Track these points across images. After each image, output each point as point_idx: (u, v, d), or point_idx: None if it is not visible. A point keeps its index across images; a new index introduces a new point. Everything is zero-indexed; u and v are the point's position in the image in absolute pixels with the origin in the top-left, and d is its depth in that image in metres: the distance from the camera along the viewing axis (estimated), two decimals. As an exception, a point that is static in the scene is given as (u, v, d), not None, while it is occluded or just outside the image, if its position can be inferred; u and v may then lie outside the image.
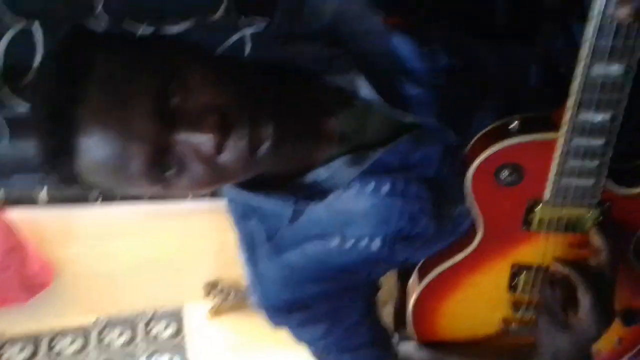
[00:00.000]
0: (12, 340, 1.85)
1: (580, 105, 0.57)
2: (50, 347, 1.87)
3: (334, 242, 0.73)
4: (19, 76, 1.00)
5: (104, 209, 1.63)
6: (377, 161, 0.67)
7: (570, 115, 0.58)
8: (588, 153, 0.60)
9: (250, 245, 0.76)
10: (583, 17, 0.78)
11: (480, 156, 0.65)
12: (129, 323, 1.96)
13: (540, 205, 0.67)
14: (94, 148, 0.57)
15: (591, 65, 0.54)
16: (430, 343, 0.86)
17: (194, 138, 0.57)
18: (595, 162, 0.61)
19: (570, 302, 0.69)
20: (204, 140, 0.57)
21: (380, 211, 0.71)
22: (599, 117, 0.58)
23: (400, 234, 0.72)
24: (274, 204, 0.70)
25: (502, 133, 0.64)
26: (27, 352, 1.85)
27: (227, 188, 0.73)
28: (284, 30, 0.77)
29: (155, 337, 1.94)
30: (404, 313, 0.85)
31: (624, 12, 0.48)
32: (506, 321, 0.81)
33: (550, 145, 0.62)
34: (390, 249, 0.73)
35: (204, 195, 1.66)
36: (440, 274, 0.78)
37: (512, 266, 0.75)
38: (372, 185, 0.69)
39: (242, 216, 0.76)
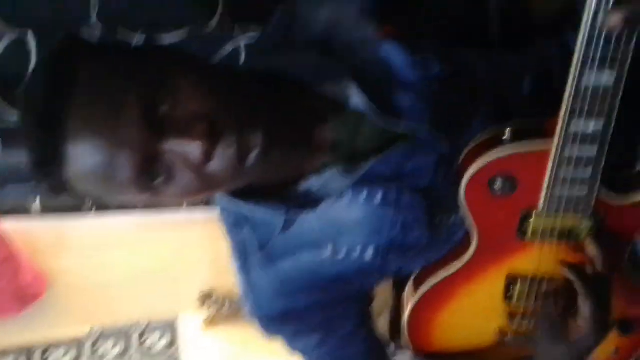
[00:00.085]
0: (5, 352, 1.83)
1: (571, 115, 0.57)
2: (44, 359, 1.85)
3: (327, 251, 0.72)
4: (12, 86, 1.00)
5: (98, 219, 1.63)
6: (370, 170, 0.67)
7: (562, 124, 0.58)
8: (581, 162, 0.60)
9: (242, 254, 0.76)
10: (574, 26, 0.79)
11: (473, 166, 0.65)
12: (122, 334, 1.94)
13: (534, 215, 0.67)
14: (82, 156, 0.57)
15: (582, 75, 0.54)
16: (426, 353, 0.85)
17: (182, 146, 0.57)
18: (589, 172, 0.61)
19: (568, 312, 0.69)
20: (192, 148, 0.57)
21: (373, 221, 0.70)
22: (591, 126, 0.58)
23: (393, 244, 0.72)
24: (265, 213, 0.70)
25: (495, 143, 0.64)
26: (20, 364, 1.83)
27: (219, 197, 0.72)
28: (277, 40, 0.77)
29: (150, 348, 1.92)
30: (400, 323, 0.84)
31: (614, 20, 0.48)
32: (502, 331, 0.80)
33: (543, 154, 0.62)
34: (383, 258, 0.73)
35: (198, 205, 1.66)
36: (435, 285, 0.77)
37: (507, 276, 0.74)
38: (364, 194, 0.69)
39: (234, 225, 0.75)
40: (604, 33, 0.51)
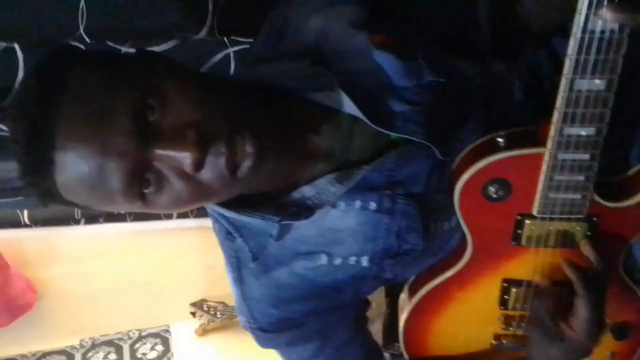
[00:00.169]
0: (-6, 364, 1.81)
1: (564, 120, 0.58)
2: (35, 371, 1.83)
3: (322, 260, 0.72)
4: (0, 98, 0.99)
5: (88, 229, 1.61)
6: (364, 178, 0.67)
7: (555, 130, 0.58)
8: (574, 167, 0.61)
9: (236, 266, 0.75)
10: (563, 32, 0.80)
11: (467, 172, 0.65)
12: (114, 345, 1.92)
13: (529, 220, 0.67)
14: (71, 164, 0.56)
15: (574, 80, 0.55)
16: (421, 360, 0.85)
17: (172, 154, 0.57)
18: (582, 176, 0.61)
19: (560, 313, 0.69)
20: (181, 157, 0.56)
21: (368, 229, 0.70)
22: (584, 132, 0.58)
23: (388, 252, 0.72)
24: (258, 223, 0.69)
25: (489, 148, 0.64)
26: (10, 375, 1.81)
27: (212, 208, 0.72)
28: (268, 49, 0.77)
29: (142, 359, 1.91)
30: (393, 329, 0.84)
31: (609, 17, 0.49)
32: (498, 337, 0.80)
33: (536, 160, 0.62)
34: (378, 266, 0.73)
35: (189, 214, 1.65)
36: (430, 291, 0.77)
37: (503, 281, 0.75)
38: (358, 202, 0.69)
39: (227, 237, 0.75)
40: (595, 39, 0.51)
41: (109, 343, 1.92)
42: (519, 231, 0.68)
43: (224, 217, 0.72)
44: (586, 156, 0.60)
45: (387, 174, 0.69)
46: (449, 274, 0.75)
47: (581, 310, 0.67)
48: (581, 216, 0.65)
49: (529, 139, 0.63)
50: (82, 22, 0.90)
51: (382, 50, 0.69)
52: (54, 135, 0.55)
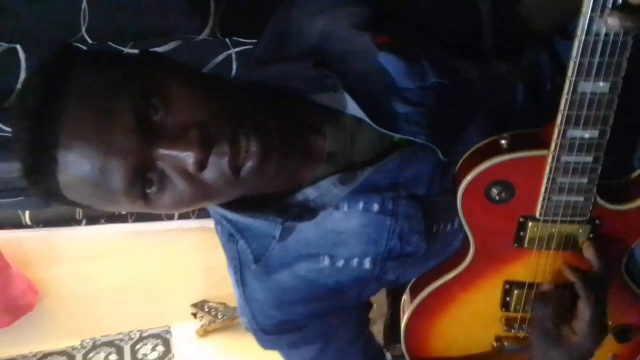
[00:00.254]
0: (-5, 365, 1.81)
1: (568, 123, 0.58)
2: (35, 371, 1.83)
3: (325, 262, 0.72)
4: (1, 99, 0.99)
5: (89, 230, 1.61)
6: (366, 180, 0.67)
7: (558, 132, 0.58)
8: (577, 170, 0.61)
9: (238, 268, 0.75)
10: (565, 33, 0.80)
11: (470, 174, 0.65)
12: (115, 345, 1.92)
13: (531, 222, 0.67)
14: (74, 163, 0.56)
15: (577, 83, 0.55)
16: (423, 362, 0.85)
17: (174, 154, 0.57)
18: (585, 179, 0.61)
19: (562, 316, 0.69)
20: (184, 157, 0.56)
21: (370, 231, 0.70)
22: (587, 134, 0.58)
23: (391, 253, 0.72)
24: (261, 224, 0.69)
25: (492, 150, 0.64)
26: (10, 376, 1.81)
27: (214, 210, 0.72)
28: (271, 50, 0.77)
29: (143, 359, 1.91)
30: (394, 330, 0.84)
31: (612, 24, 0.49)
32: (499, 339, 0.80)
33: (539, 162, 0.62)
34: (381, 268, 0.73)
35: (190, 215, 1.65)
36: (432, 292, 0.77)
37: (505, 284, 0.74)
38: (361, 204, 0.69)
39: (229, 238, 0.75)
40: (600, 42, 0.51)
41: (110, 344, 1.92)
42: (521, 233, 0.68)
43: (227, 219, 0.72)
44: (589, 159, 0.60)
45: (390, 176, 0.69)
46: (451, 275, 0.75)
47: (583, 312, 0.67)
48: (584, 219, 0.65)
49: (532, 141, 0.63)
50: (84, 23, 0.90)
51: (385, 52, 0.69)
52: (56, 134, 0.55)
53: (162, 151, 0.57)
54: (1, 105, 0.99)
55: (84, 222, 1.58)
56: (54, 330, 1.84)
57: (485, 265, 0.73)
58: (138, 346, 1.92)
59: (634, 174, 0.67)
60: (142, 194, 0.58)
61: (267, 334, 0.77)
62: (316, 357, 0.79)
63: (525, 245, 0.69)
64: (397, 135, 0.67)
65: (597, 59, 0.53)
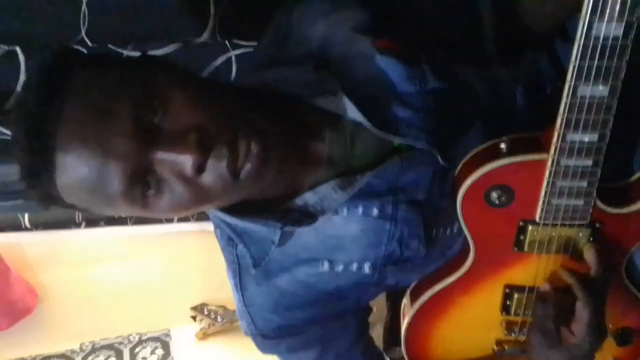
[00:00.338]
0: (-6, 368, 1.81)
1: (567, 126, 0.57)
2: (34, 374, 1.83)
3: (324, 266, 0.72)
4: (1, 101, 0.99)
5: (89, 233, 1.61)
6: (366, 185, 0.67)
7: (558, 136, 0.58)
8: (577, 173, 0.61)
9: (237, 272, 0.75)
10: (566, 37, 0.79)
11: (469, 178, 0.65)
12: (114, 348, 1.92)
13: (531, 226, 0.67)
14: (72, 166, 0.55)
15: (577, 87, 0.55)
16: (423, 366, 0.84)
17: (173, 157, 0.56)
18: (585, 182, 0.61)
19: (562, 318, 0.69)
20: (182, 160, 0.56)
21: (370, 235, 0.70)
22: (587, 138, 0.58)
23: (390, 258, 0.71)
24: (260, 229, 0.69)
25: (491, 154, 0.64)
26: (9, 379, 1.80)
27: (213, 213, 0.71)
28: (271, 53, 0.77)
29: (142, 363, 1.90)
30: (394, 334, 0.84)
31: None
32: (500, 343, 0.80)
33: (539, 166, 0.62)
34: (380, 273, 0.73)
35: (190, 218, 1.65)
36: (433, 296, 0.77)
37: (505, 287, 0.74)
38: (360, 209, 0.69)
39: (229, 242, 0.74)
40: (598, 46, 0.51)
41: (109, 347, 1.91)
42: (521, 237, 0.68)
43: (226, 223, 0.72)
44: (589, 162, 0.60)
45: (390, 180, 0.69)
46: (451, 279, 0.75)
47: (581, 314, 0.66)
48: (584, 222, 0.65)
49: (532, 145, 0.63)
50: (84, 25, 0.90)
51: (386, 56, 0.69)
52: (54, 137, 0.55)
53: (160, 154, 0.56)
54: (1, 108, 0.99)
55: (83, 224, 1.58)
56: (53, 334, 1.84)
57: (485, 269, 0.73)
58: (137, 349, 1.92)
59: (634, 177, 0.67)
60: (140, 197, 0.58)
61: (266, 339, 0.77)
62: (315, 362, 0.79)
63: (526, 249, 0.69)
64: (397, 140, 0.67)
65: (596, 63, 0.53)
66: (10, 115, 0.91)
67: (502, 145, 0.64)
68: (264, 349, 0.79)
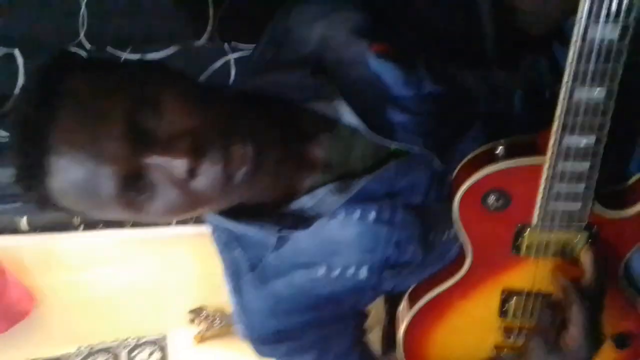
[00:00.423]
0: (-10, 372, 1.80)
1: (564, 130, 0.57)
2: (31, 378, 1.82)
3: (321, 271, 0.72)
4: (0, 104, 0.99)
5: (86, 236, 1.60)
6: (363, 189, 0.67)
7: (554, 139, 0.58)
8: (574, 177, 0.60)
9: (234, 275, 0.75)
10: (563, 37, 0.79)
11: (466, 182, 0.64)
12: (111, 352, 1.91)
13: (529, 229, 0.66)
14: (65, 169, 0.55)
15: (573, 90, 0.55)
16: (421, 371, 0.84)
17: (166, 162, 0.56)
18: (582, 186, 0.61)
19: (562, 324, 0.68)
20: (176, 164, 0.56)
21: (367, 240, 0.70)
22: (583, 141, 0.58)
23: (387, 262, 0.71)
24: (257, 233, 0.69)
25: (488, 158, 0.64)
26: (6, 383, 1.80)
27: (211, 217, 0.71)
28: (269, 57, 0.77)
29: (139, 366, 1.90)
30: (392, 338, 0.83)
31: None
32: (498, 347, 0.80)
33: (536, 169, 0.61)
34: (377, 277, 0.72)
35: (188, 221, 1.65)
36: (430, 301, 0.77)
37: (503, 292, 0.74)
38: (357, 213, 0.68)
39: (226, 246, 0.74)
40: (594, 49, 0.51)
41: (106, 350, 1.91)
42: (518, 241, 0.68)
43: (223, 226, 0.71)
44: (586, 165, 0.59)
45: (387, 184, 0.69)
46: (448, 283, 0.74)
47: (576, 319, 0.66)
48: (581, 225, 0.65)
49: (529, 148, 0.63)
50: (82, 28, 0.90)
51: (382, 59, 0.69)
52: (47, 140, 0.55)
53: (154, 158, 0.56)
54: (0, 111, 0.99)
55: (81, 227, 1.58)
56: (50, 337, 1.83)
57: (482, 273, 0.73)
58: (134, 353, 1.91)
59: (632, 180, 0.66)
60: (134, 201, 0.58)
61: (263, 343, 0.77)
62: (312, 366, 0.79)
63: (523, 252, 0.68)
64: (394, 145, 0.67)
65: (592, 65, 0.53)
66: (7, 118, 0.91)
67: (499, 149, 0.64)
68: (260, 353, 0.79)
